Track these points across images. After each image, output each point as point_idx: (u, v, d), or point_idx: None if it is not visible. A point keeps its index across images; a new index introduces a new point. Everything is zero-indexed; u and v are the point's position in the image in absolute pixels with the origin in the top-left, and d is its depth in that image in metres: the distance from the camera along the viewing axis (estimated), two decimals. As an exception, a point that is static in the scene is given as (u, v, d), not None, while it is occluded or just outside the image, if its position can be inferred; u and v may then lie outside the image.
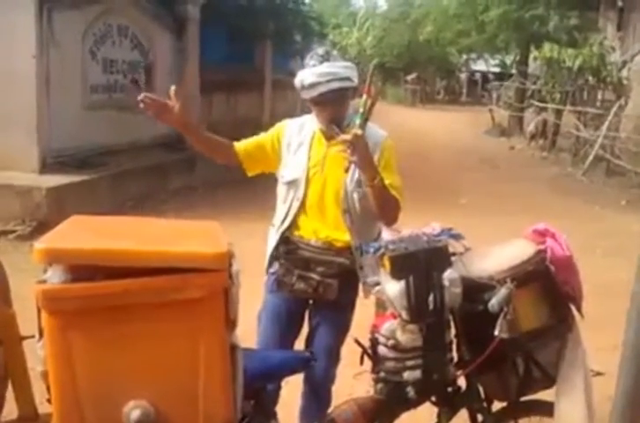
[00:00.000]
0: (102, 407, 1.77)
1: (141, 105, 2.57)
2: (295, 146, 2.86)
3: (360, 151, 2.50)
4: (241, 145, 2.91)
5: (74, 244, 1.78)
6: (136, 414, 1.75)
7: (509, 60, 32.21)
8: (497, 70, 38.06)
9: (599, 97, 17.18)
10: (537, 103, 18.83)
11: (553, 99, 17.65)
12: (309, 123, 2.89)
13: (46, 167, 7.79)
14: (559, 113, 17.40)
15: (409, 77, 38.00)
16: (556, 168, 14.43)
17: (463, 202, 9.85)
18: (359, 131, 2.51)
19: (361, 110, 2.55)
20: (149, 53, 10.47)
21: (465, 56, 40.07)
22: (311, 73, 2.66)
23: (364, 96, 2.53)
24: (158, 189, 9.25)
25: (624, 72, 16.08)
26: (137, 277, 1.74)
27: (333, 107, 2.71)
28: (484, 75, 44.21)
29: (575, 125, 15.80)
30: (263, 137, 2.95)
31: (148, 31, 10.39)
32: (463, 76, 47.16)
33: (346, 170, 2.61)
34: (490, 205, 9.62)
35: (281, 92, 17.49)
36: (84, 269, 1.73)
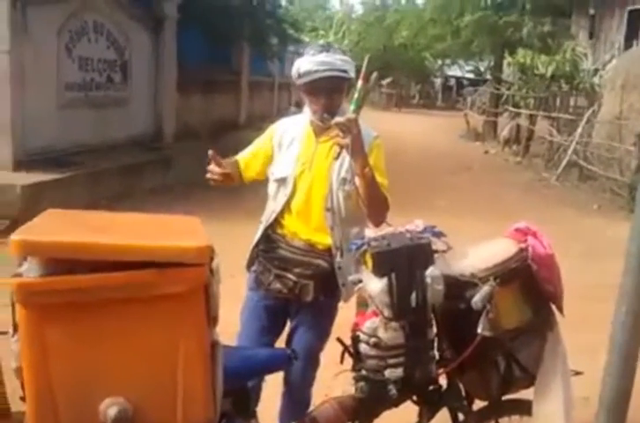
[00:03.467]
0: (78, 404, 1.73)
1: (211, 182, 2.77)
2: (287, 143, 2.83)
3: (353, 134, 2.46)
4: (240, 160, 2.93)
5: (51, 237, 1.73)
6: (113, 411, 1.71)
7: (482, 66, 32.57)
8: (471, 75, 38.45)
9: (572, 103, 17.40)
10: (511, 108, 19.02)
11: (526, 104, 17.87)
12: (302, 120, 2.86)
13: (20, 166, 7.63)
14: (533, 118, 17.59)
15: (384, 82, 38.15)
16: (530, 173, 14.57)
17: (441, 204, 9.89)
18: (352, 115, 2.48)
19: (356, 96, 2.50)
20: (125, 51, 10.34)
21: (439, 62, 40.39)
22: (308, 61, 2.64)
23: (360, 82, 2.49)
24: (133, 188, 9.15)
25: (596, 79, 16.31)
26: (117, 271, 1.69)
27: (327, 96, 2.67)
28: (458, 80, 44.67)
29: (548, 131, 15.98)
30: (257, 145, 2.94)
31: (125, 28, 10.25)
32: (437, 81, 47.51)
33: (337, 157, 2.56)
34: (467, 208, 9.68)
35: (258, 93, 17.49)
36: (61, 262, 1.68)
